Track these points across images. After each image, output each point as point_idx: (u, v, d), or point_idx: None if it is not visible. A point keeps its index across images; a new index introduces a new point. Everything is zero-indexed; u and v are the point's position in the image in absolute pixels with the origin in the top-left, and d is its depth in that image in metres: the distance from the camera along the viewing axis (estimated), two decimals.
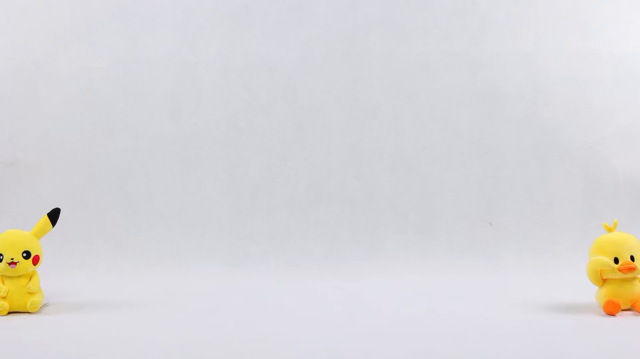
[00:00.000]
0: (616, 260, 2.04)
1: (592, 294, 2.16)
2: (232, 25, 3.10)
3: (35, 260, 2.18)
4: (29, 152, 3.06)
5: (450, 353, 1.70)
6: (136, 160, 3.04)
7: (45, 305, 2.28)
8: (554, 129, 3.01)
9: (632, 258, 2.05)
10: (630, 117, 2.99)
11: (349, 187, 3.00)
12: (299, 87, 3.07)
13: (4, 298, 2.16)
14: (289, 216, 2.94)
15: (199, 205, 2.97)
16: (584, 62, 3.01)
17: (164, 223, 2.91)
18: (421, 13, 3.05)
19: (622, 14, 3.01)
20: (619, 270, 2.03)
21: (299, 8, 3.08)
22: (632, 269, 2.03)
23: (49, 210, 2.23)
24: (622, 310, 2.07)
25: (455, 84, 3.03)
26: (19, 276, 2.17)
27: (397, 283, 2.58)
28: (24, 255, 2.15)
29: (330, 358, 1.68)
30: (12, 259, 2.13)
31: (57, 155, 3.05)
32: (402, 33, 3.06)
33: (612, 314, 2.05)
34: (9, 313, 2.17)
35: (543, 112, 3.01)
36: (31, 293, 2.18)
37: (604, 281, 2.09)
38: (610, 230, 2.13)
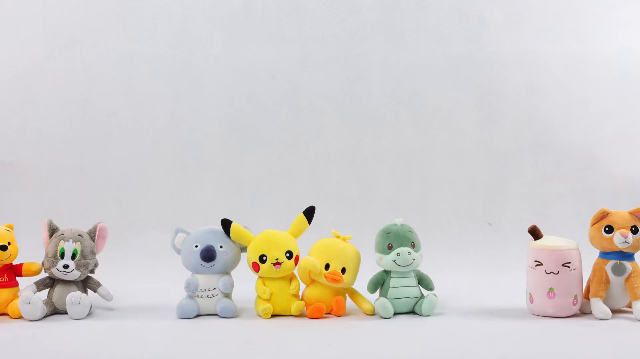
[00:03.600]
0: (327, 266, 2.02)
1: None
2: (231, 28, 3.12)
3: (296, 260, 2.04)
4: (26, 153, 3.06)
5: (449, 353, 1.72)
6: (134, 162, 3.05)
7: None
8: (552, 130, 3.03)
9: (343, 271, 2.02)
10: (628, 119, 3.03)
11: (349, 188, 3.00)
12: (299, 89, 3.08)
13: (267, 300, 2.02)
14: (289, 217, 2.93)
15: (198, 205, 2.97)
16: (583, 63, 3.05)
17: (162, 223, 2.90)
18: (420, 15, 3.08)
19: (620, 16, 3.05)
20: (325, 277, 2.01)
21: (298, 10, 3.10)
22: (336, 280, 2.01)
23: (304, 208, 2.09)
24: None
25: (453, 85, 3.06)
26: (280, 278, 2.03)
27: None
28: (287, 255, 2.01)
29: (331, 357, 1.69)
30: (277, 259, 2.00)
31: (54, 156, 3.05)
32: (401, 35, 3.09)
33: (315, 318, 2.01)
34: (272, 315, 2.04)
35: (541, 113, 3.04)
36: (294, 296, 2.03)
37: (312, 281, 2.06)
38: (338, 237, 2.09)
